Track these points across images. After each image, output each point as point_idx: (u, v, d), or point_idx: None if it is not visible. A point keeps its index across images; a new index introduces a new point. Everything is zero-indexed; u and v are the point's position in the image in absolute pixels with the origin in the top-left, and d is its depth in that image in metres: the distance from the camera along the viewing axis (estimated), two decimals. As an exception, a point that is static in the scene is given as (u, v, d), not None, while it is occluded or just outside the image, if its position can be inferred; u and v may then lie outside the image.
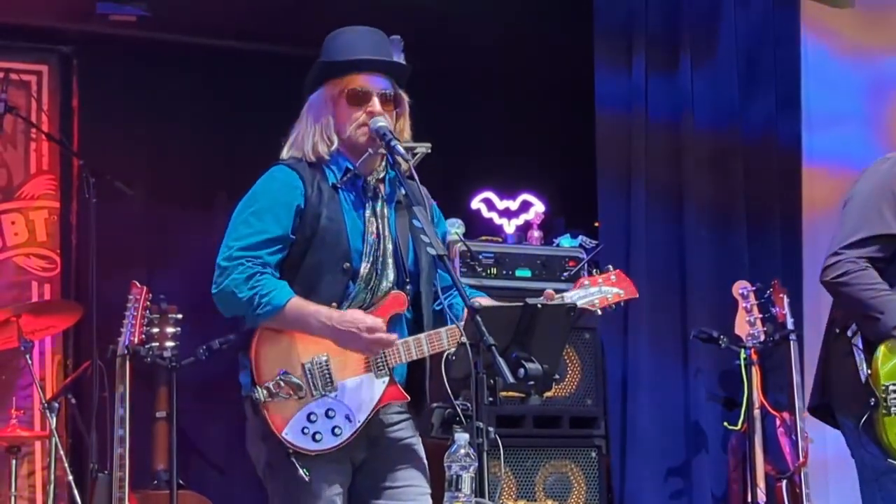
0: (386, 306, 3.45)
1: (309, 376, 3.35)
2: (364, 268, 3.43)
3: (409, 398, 3.45)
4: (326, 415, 3.34)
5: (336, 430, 3.34)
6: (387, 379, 3.41)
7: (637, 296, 3.76)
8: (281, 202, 3.40)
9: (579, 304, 3.59)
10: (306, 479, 3.30)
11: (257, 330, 3.38)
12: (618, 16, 6.23)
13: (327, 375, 3.36)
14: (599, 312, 3.72)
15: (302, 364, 3.36)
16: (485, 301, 3.43)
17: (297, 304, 3.34)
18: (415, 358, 3.41)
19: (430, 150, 3.38)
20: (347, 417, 3.36)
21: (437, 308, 3.55)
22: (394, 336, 3.38)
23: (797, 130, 6.44)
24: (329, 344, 3.36)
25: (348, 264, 3.41)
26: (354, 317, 3.35)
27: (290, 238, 3.40)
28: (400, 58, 3.54)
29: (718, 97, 6.34)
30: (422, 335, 3.42)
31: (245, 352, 3.38)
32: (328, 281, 3.40)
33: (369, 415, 3.39)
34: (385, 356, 3.40)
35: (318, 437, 3.32)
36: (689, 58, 6.28)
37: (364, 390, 3.39)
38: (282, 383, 3.32)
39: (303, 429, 3.32)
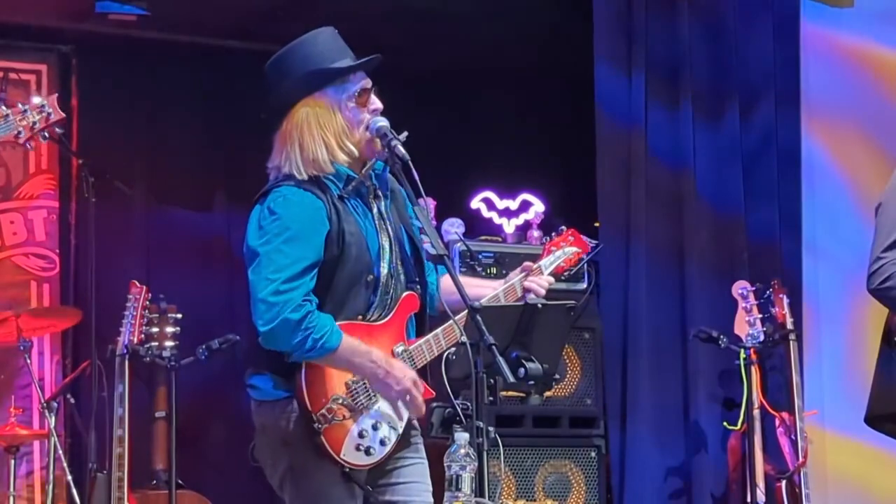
0: (402, 310, 3.46)
1: (354, 394, 3.35)
2: (384, 275, 3.43)
3: (434, 394, 3.43)
4: (374, 427, 3.35)
5: (384, 441, 3.37)
6: None
7: (588, 249, 3.78)
8: (310, 228, 3.33)
9: (552, 268, 3.64)
10: (371, 492, 3.35)
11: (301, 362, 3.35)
12: (618, 24, 6.20)
13: (368, 389, 3.36)
14: (564, 276, 3.75)
15: (346, 383, 3.35)
16: (474, 282, 3.53)
17: (349, 344, 3.31)
18: (436, 354, 3.42)
19: (405, 139, 3.38)
20: (390, 426, 3.38)
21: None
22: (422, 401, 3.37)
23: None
24: None
25: (371, 276, 3.40)
26: (405, 371, 3.34)
27: (321, 261, 3.35)
28: None
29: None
30: (438, 330, 3.44)
31: (287, 379, 3.33)
32: (354, 294, 3.39)
33: (407, 418, 3.41)
34: (413, 358, 3.41)
35: (371, 451, 3.34)
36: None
37: None
38: (334, 407, 3.31)
39: (357, 446, 3.32)
